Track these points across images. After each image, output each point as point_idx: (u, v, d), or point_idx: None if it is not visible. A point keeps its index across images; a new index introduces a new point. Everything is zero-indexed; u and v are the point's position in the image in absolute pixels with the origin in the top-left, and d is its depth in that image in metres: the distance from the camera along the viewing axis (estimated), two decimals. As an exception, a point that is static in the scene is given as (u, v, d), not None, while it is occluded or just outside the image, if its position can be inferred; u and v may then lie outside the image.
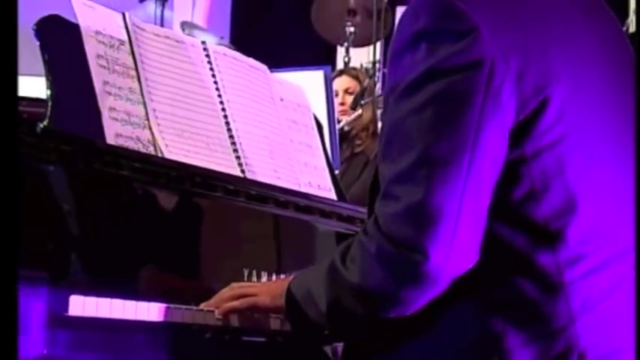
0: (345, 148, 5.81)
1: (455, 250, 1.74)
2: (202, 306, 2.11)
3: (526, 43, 1.78)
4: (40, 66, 2.19)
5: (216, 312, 2.09)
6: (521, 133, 1.76)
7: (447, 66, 1.74)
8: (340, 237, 2.64)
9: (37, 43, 2.20)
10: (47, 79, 2.17)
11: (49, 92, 2.15)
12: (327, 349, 2.29)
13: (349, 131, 5.83)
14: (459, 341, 1.82)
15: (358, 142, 5.81)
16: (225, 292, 2.13)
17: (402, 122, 1.78)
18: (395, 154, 1.79)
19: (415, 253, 1.73)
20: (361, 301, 1.83)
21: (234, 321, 2.10)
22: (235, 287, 2.14)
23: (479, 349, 1.79)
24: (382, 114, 1.86)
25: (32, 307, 1.81)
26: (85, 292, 1.89)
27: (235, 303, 2.09)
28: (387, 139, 1.82)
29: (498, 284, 1.80)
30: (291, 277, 2.02)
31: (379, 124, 5.90)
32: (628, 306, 1.83)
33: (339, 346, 2.20)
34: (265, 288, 2.09)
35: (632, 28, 5.96)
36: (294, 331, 1.99)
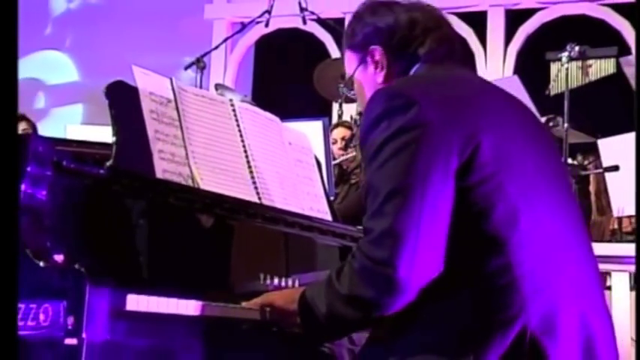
0: (344, 179, 5.85)
1: (418, 264, 1.76)
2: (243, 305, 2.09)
3: (455, 110, 1.85)
4: (109, 118, 2.18)
5: (244, 304, 2.08)
6: (465, 170, 1.80)
7: (399, 130, 1.81)
8: (335, 249, 2.62)
9: (107, 102, 2.19)
10: (113, 129, 2.16)
11: (114, 138, 2.14)
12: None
13: (346, 168, 5.88)
14: (443, 333, 1.80)
15: (353, 176, 5.88)
16: (259, 298, 2.12)
17: (372, 177, 1.84)
18: (370, 202, 1.83)
19: (387, 267, 1.76)
20: (350, 307, 1.84)
21: (251, 315, 2.07)
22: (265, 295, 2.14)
23: (459, 339, 1.78)
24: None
25: (98, 304, 1.78)
26: (139, 292, 1.87)
27: (257, 300, 2.09)
28: (366, 192, 1.87)
29: (467, 286, 1.80)
30: (302, 287, 2.02)
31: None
32: (568, 293, 1.84)
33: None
34: (284, 294, 2.10)
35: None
36: (304, 329, 1.97)
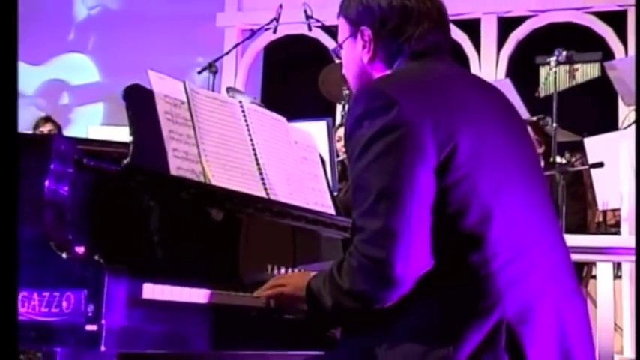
0: (347, 176, 5.80)
1: (412, 259, 1.74)
2: (255, 293, 2.08)
3: (435, 110, 1.81)
4: (126, 119, 2.17)
5: (255, 293, 2.07)
6: (443, 170, 1.77)
7: (382, 131, 1.77)
8: (338, 241, 2.61)
9: (124, 104, 2.18)
10: (130, 129, 2.15)
11: (131, 138, 2.12)
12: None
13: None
14: (423, 322, 1.78)
15: None
16: (269, 283, 2.10)
17: (359, 177, 1.80)
18: (359, 200, 1.79)
19: (384, 265, 1.73)
20: (352, 300, 1.81)
21: (259, 303, 2.06)
22: (275, 279, 2.12)
23: (439, 328, 1.76)
24: (349, 174, 1.92)
25: (116, 292, 1.77)
26: (154, 281, 1.86)
27: (269, 292, 2.07)
28: (353, 191, 1.83)
29: (447, 279, 1.77)
30: (311, 274, 1.97)
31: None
32: (542, 283, 1.82)
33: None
34: (292, 281, 2.06)
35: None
36: (311, 317, 1.97)
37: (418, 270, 1.75)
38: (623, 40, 7.56)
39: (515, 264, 1.79)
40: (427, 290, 1.77)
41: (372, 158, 1.78)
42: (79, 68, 9.26)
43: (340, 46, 2.09)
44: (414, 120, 1.77)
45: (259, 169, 2.46)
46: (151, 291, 1.83)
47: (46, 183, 1.89)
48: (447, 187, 1.77)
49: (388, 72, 1.99)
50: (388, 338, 1.79)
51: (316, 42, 8.27)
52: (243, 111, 2.51)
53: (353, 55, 2.05)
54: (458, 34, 7.87)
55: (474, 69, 7.93)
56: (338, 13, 2.09)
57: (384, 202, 1.75)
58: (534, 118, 5.82)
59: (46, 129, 6.18)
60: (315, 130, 3.56)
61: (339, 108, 7.21)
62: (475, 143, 1.81)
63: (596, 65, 6.29)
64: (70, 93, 9.28)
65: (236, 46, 7.48)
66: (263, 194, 2.43)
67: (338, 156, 5.53)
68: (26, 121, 7.71)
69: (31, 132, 5.89)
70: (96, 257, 1.79)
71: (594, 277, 4.34)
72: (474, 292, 1.75)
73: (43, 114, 6.56)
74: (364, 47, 2.01)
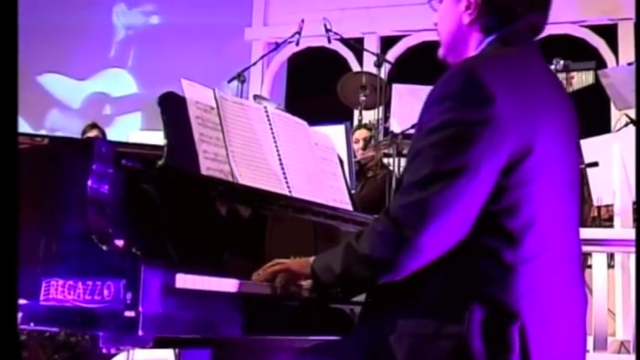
0: (363, 173, 5.79)
1: (441, 238, 1.66)
2: (253, 275, 2.00)
3: (524, 116, 1.71)
4: (161, 124, 2.15)
5: (261, 276, 1.98)
6: (509, 170, 1.68)
7: (468, 119, 1.67)
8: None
9: (159, 109, 2.16)
10: (164, 132, 2.13)
11: (165, 141, 2.10)
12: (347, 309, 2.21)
13: (365, 164, 5.84)
14: (442, 301, 1.70)
15: (370, 172, 5.81)
16: (269, 265, 2.02)
17: (423, 149, 1.70)
18: (414, 169, 1.70)
19: (409, 229, 1.65)
20: (367, 266, 1.73)
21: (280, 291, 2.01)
22: (275, 261, 2.03)
23: (456, 306, 1.68)
24: (412, 141, 1.79)
25: (152, 282, 1.75)
26: (186, 272, 1.83)
27: (275, 268, 1.99)
28: (411, 159, 1.73)
29: (476, 267, 1.69)
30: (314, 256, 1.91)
31: (384, 160, 5.94)
32: (559, 291, 1.75)
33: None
34: (296, 262, 1.98)
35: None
36: (315, 291, 1.88)
37: (440, 247, 1.67)
38: (615, 50, 7.63)
39: (541, 270, 1.71)
40: (448, 270, 1.69)
41: (445, 137, 1.67)
42: (119, 81, 9.33)
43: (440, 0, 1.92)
44: (504, 121, 1.67)
45: (282, 168, 2.44)
46: (184, 281, 1.81)
47: (89, 182, 1.88)
48: (505, 187, 1.68)
49: (482, 44, 1.85)
50: (405, 313, 1.71)
51: (335, 53, 8.27)
52: (267, 116, 2.49)
53: (453, 12, 1.87)
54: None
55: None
56: None
57: (439, 181, 1.65)
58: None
59: (92, 134, 6.31)
60: (334, 133, 3.54)
61: (355, 113, 7.20)
62: (543, 154, 1.72)
63: (591, 73, 6.26)
64: (111, 104, 9.35)
65: (262, 57, 7.50)
66: (286, 192, 2.40)
67: (355, 157, 5.52)
68: (74, 128, 7.77)
69: (79, 137, 5.96)
70: (133, 250, 1.78)
71: (590, 266, 4.29)
72: (496, 284, 1.67)
73: (89, 122, 6.64)
74: (467, 8, 1.85)
